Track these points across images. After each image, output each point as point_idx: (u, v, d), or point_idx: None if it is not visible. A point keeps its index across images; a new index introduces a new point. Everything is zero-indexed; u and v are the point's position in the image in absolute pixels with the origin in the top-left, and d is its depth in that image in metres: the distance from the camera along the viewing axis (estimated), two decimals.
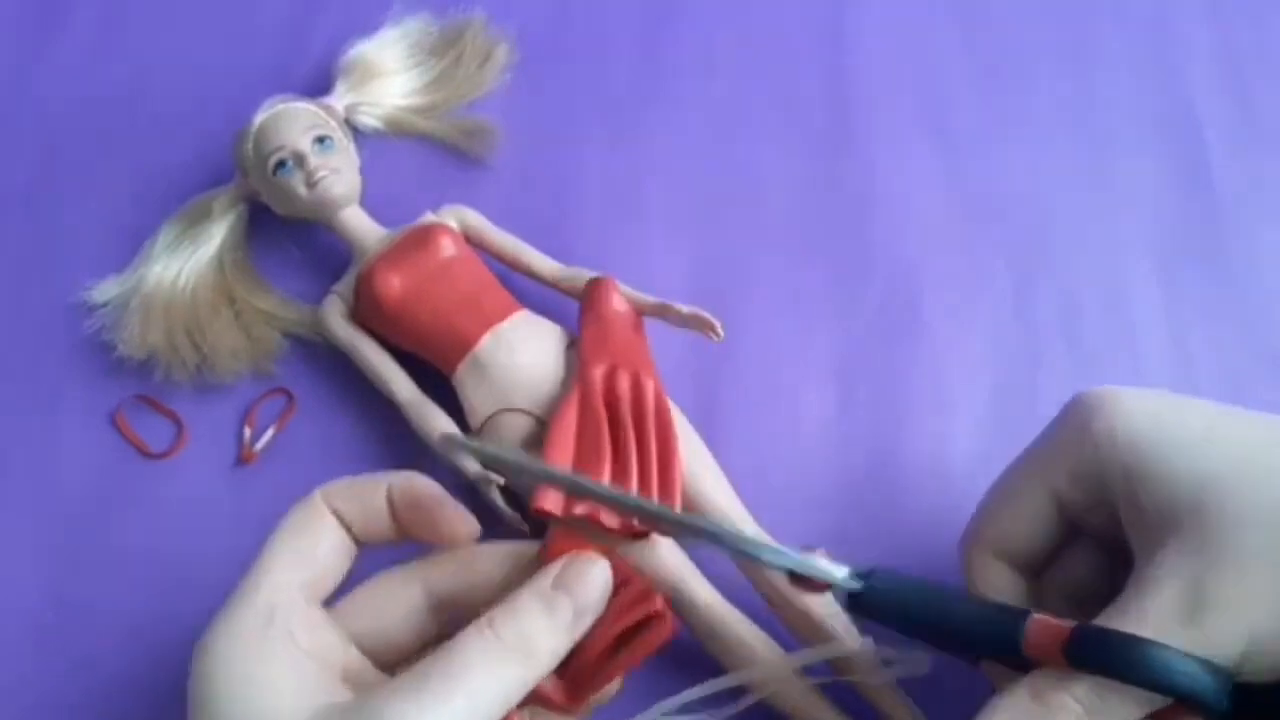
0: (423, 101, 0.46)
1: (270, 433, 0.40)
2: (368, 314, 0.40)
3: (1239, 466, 0.26)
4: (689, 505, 0.36)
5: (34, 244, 0.44)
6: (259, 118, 0.41)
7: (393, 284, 0.38)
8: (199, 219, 0.43)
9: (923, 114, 0.47)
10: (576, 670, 0.28)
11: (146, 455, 0.40)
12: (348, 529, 0.28)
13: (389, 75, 0.46)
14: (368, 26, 0.47)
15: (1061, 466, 0.29)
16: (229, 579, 0.27)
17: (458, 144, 0.46)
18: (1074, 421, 0.29)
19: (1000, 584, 0.31)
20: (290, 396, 0.41)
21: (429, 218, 0.41)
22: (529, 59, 0.48)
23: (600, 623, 0.27)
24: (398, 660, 0.29)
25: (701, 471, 0.36)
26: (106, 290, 0.42)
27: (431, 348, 0.39)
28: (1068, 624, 0.26)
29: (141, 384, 0.41)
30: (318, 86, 0.45)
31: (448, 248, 0.39)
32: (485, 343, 0.38)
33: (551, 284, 0.41)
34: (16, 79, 0.48)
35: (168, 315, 0.41)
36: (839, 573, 0.29)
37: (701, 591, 0.35)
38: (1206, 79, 0.47)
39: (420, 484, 0.29)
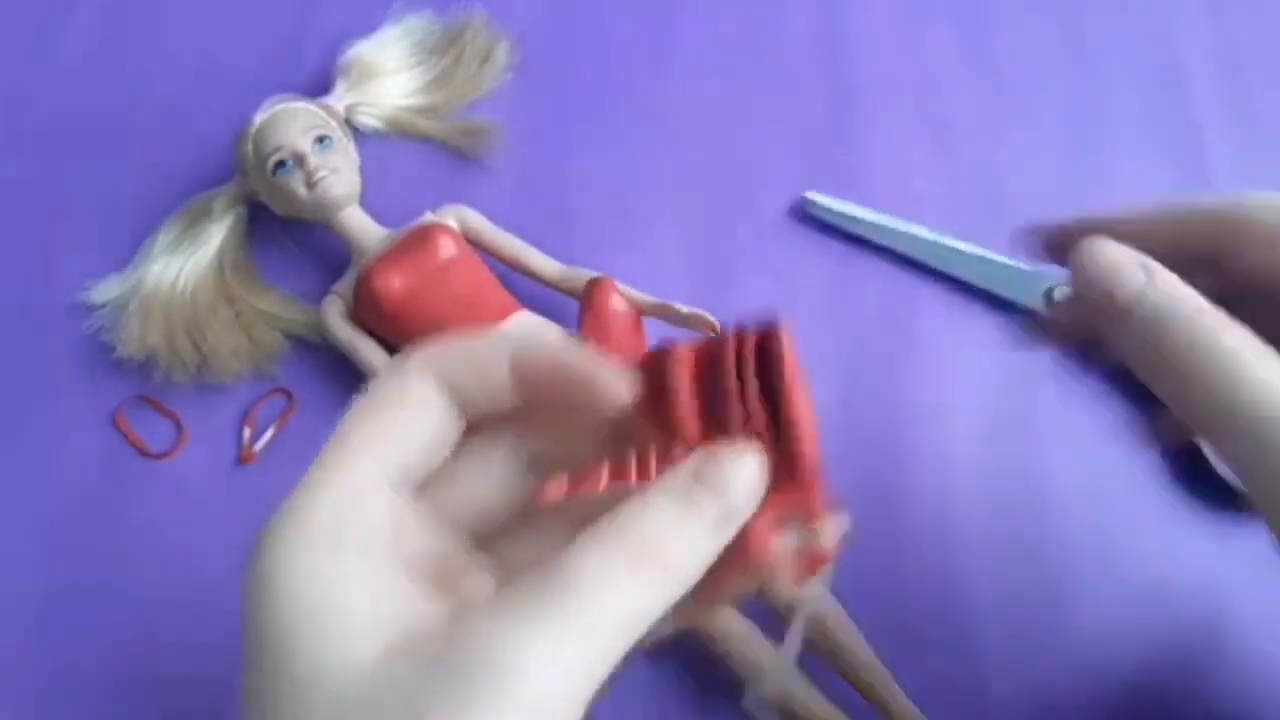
0: (423, 101, 0.46)
1: (270, 433, 0.40)
2: (368, 314, 0.39)
3: None
4: None
5: (34, 244, 0.44)
6: (259, 118, 0.41)
7: (393, 284, 0.38)
8: (199, 219, 0.43)
9: (923, 114, 0.47)
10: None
11: (146, 455, 0.40)
12: (454, 401, 0.23)
13: (389, 75, 0.46)
14: (368, 26, 0.47)
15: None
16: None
17: (458, 144, 0.46)
18: None
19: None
20: (290, 396, 0.41)
21: (429, 218, 0.41)
22: (529, 59, 0.48)
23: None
24: (491, 530, 0.24)
25: None
26: (106, 290, 0.42)
27: None
28: None
29: (141, 384, 0.41)
30: (318, 86, 0.45)
31: (448, 248, 0.39)
32: None
33: (551, 284, 0.41)
34: (17, 79, 0.48)
35: (167, 315, 0.41)
36: None
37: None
38: (1206, 79, 0.47)
39: (561, 351, 0.23)
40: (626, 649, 0.19)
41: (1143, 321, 0.24)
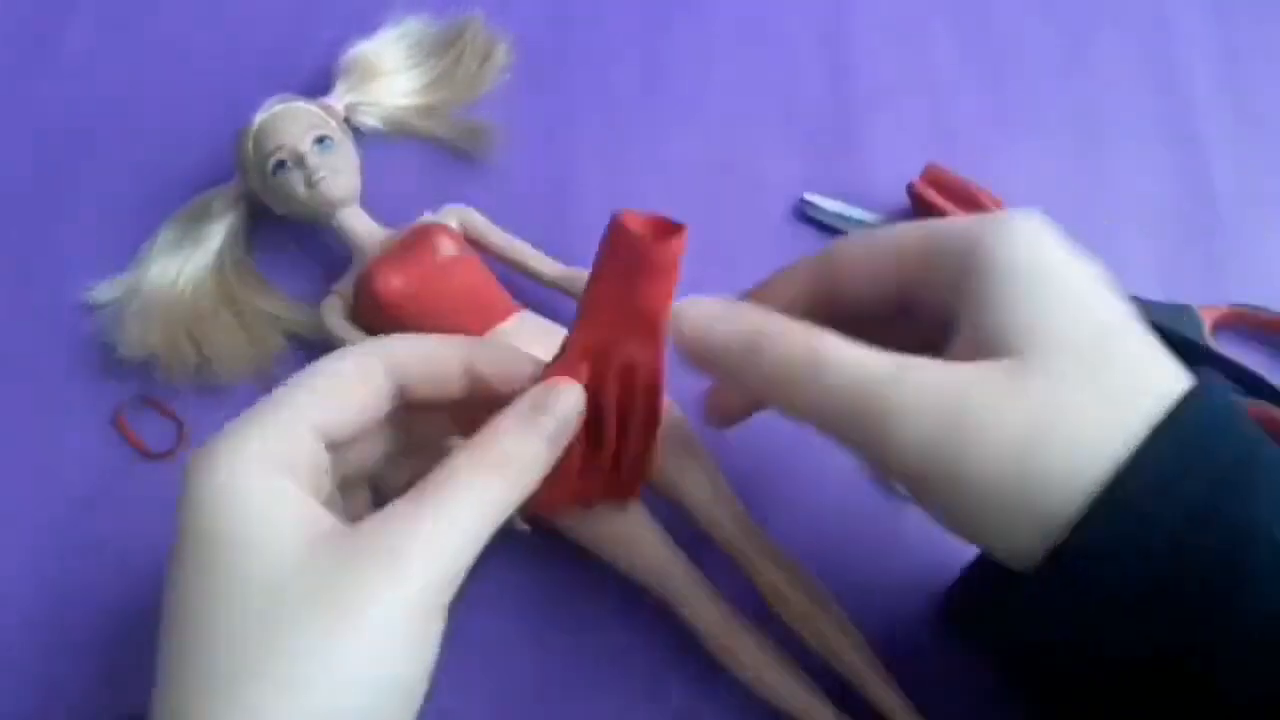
0: (423, 101, 0.46)
1: None
2: (368, 314, 0.39)
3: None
4: (690, 507, 0.36)
5: (34, 244, 0.44)
6: (259, 118, 0.41)
7: (393, 284, 0.38)
8: (199, 219, 0.43)
9: (923, 114, 0.47)
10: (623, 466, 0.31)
11: (146, 455, 0.40)
12: (399, 386, 0.28)
13: (389, 75, 0.46)
14: (368, 26, 0.47)
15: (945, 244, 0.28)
16: None
17: (458, 144, 0.46)
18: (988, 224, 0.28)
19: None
20: None
21: (429, 218, 0.41)
22: (529, 59, 0.48)
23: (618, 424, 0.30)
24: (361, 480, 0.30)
25: (701, 475, 0.36)
26: (107, 291, 0.42)
27: None
28: None
29: (142, 384, 0.41)
30: (318, 86, 0.45)
31: (448, 248, 0.39)
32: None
33: (552, 284, 0.41)
34: (17, 79, 0.48)
35: (168, 316, 0.41)
36: None
37: (702, 595, 0.35)
38: (1207, 79, 0.47)
39: (511, 357, 0.29)
40: (490, 532, 0.26)
41: (743, 361, 0.28)
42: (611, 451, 0.31)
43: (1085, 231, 0.44)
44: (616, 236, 0.28)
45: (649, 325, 0.29)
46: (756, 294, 0.32)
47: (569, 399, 0.28)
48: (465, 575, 0.25)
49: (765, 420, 0.40)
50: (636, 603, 0.37)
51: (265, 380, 0.41)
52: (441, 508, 0.25)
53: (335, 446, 0.28)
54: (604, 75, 0.48)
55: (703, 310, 0.29)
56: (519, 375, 0.29)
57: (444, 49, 0.47)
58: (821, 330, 0.27)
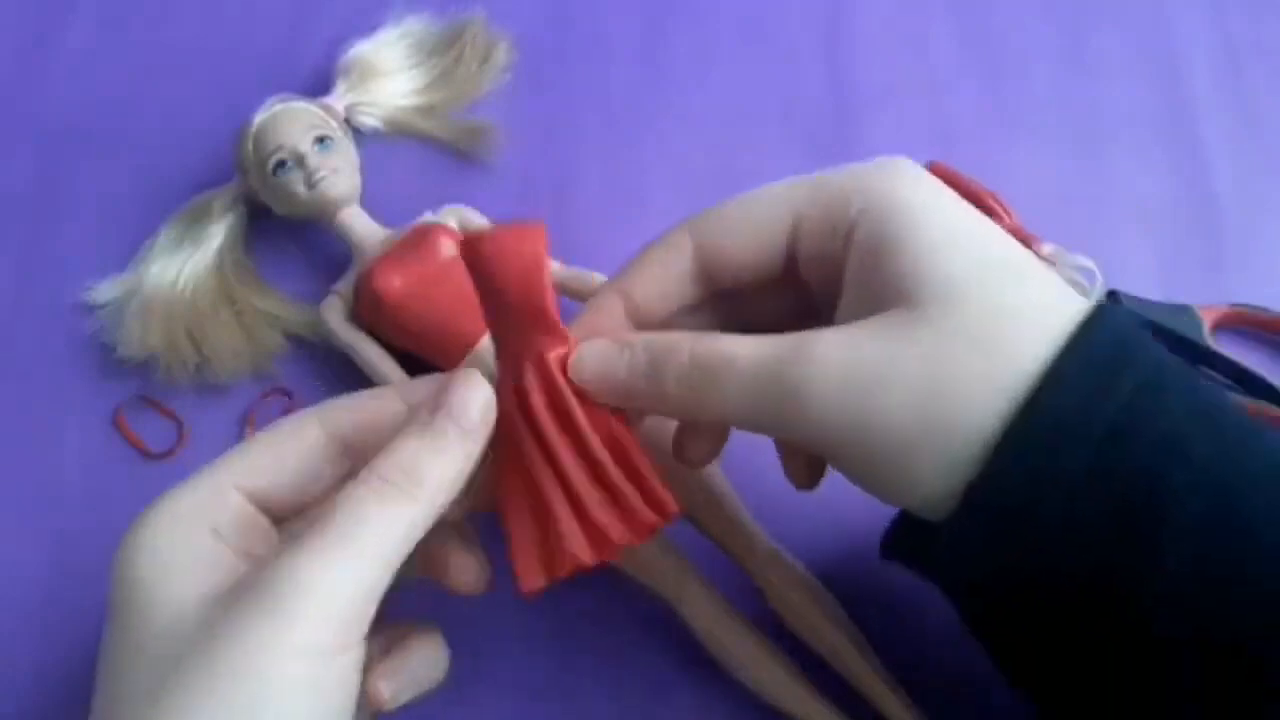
0: (422, 101, 0.46)
1: None
2: (368, 314, 0.40)
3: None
4: (688, 507, 0.36)
5: (34, 244, 0.44)
6: (259, 118, 0.41)
7: (393, 284, 0.38)
8: (199, 219, 0.43)
9: (923, 114, 0.47)
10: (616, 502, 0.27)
11: (146, 455, 0.40)
12: (341, 446, 0.27)
13: (389, 75, 0.46)
14: (368, 26, 0.47)
15: (823, 201, 0.28)
16: None
17: (458, 144, 0.46)
18: (864, 173, 0.28)
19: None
20: (290, 396, 0.41)
21: (429, 218, 0.41)
22: (529, 59, 0.48)
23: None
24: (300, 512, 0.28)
25: (698, 475, 0.36)
26: (107, 291, 0.42)
27: (432, 348, 0.39)
28: None
29: (142, 384, 0.41)
30: (318, 86, 0.45)
31: (448, 248, 0.39)
32: (486, 342, 0.38)
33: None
34: (17, 79, 0.48)
35: (168, 316, 0.41)
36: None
37: (702, 595, 0.35)
38: (1207, 79, 0.47)
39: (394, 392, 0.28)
40: (400, 555, 0.24)
41: (649, 387, 0.27)
42: (586, 473, 0.27)
43: (1085, 231, 0.44)
44: (465, 255, 0.28)
45: (538, 314, 0.27)
46: (626, 286, 0.29)
47: (475, 397, 0.26)
48: (379, 602, 0.24)
49: None
50: (636, 603, 0.37)
51: (265, 380, 0.41)
52: (334, 541, 0.24)
53: (284, 509, 0.27)
54: (604, 75, 0.48)
55: (598, 350, 0.28)
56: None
57: (444, 49, 0.47)
58: (711, 334, 0.27)
